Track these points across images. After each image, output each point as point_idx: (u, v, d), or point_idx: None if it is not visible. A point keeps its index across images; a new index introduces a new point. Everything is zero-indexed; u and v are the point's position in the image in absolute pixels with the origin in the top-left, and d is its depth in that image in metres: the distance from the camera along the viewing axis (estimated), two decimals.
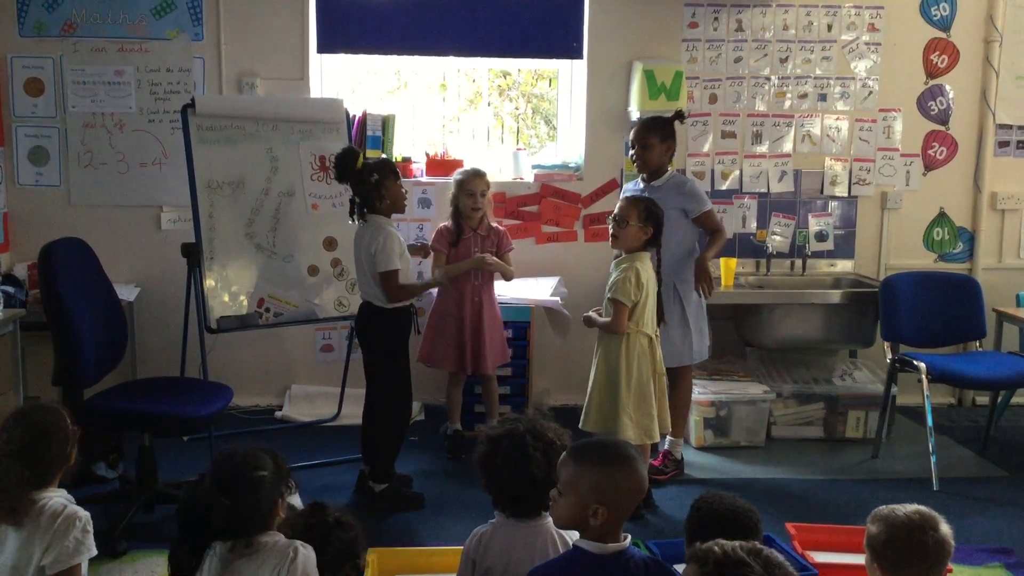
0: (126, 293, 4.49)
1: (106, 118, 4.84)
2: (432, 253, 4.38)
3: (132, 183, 4.88)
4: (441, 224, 4.48)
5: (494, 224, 4.49)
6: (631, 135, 4.08)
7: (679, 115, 4.04)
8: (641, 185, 4.11)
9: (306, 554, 2.16)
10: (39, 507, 2.23)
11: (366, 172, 3.70)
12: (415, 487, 3.93)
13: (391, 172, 3.77)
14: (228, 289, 4.21)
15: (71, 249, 3.57)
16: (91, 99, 4.83)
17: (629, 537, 2.05)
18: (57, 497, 2.29)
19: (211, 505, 2.10)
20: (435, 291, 4.45)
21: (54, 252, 3.39)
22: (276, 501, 2.18)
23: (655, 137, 3.97)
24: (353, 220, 3.84)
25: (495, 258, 4.32)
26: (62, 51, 4.79)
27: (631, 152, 4.06)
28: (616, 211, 3.68)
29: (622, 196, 3.89)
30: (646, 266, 3.63)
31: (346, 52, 5.02)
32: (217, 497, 2.09)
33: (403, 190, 3.81)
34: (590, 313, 3.75)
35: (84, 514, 2.29)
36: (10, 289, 3.96)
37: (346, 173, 3.73)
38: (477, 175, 4.35)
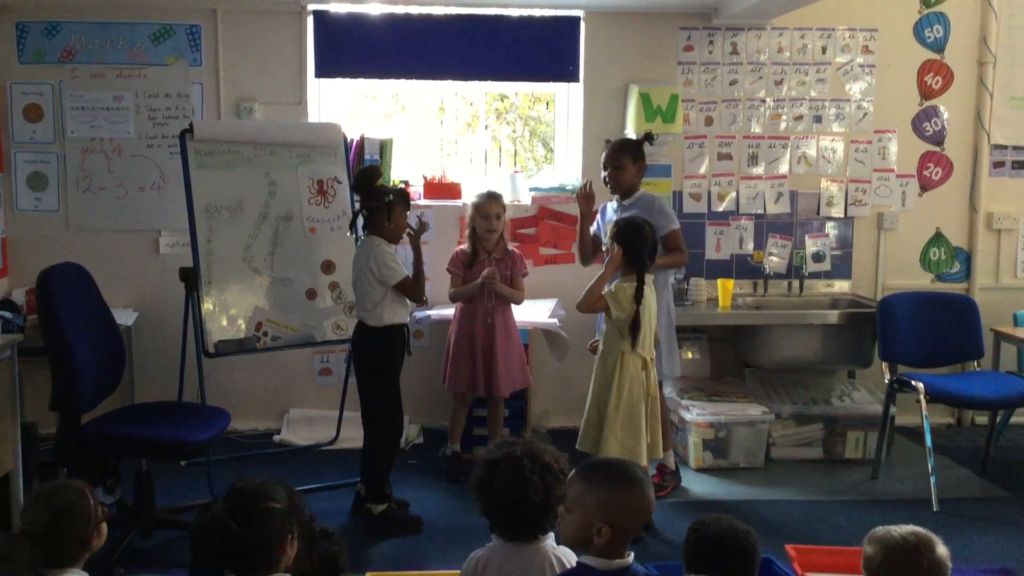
0: (124, 318, 4.49)
1: (105, 143, 4.86)
2: (449, 275, 4.45)
3: (130, 208, 4.89)
4: (458, 247, 4.51)
5: (511, 247, 4.51)
6: (603, 156, 4.13)
7: (648, 137, 4.15)
8: (615, 205, 4.17)
9: None
10: None
11: (384, 191, 3.79)
12: (412, 510, 3.92)
13: (404, 201, 3.86)
14: (226, 313, 4.21)
15: (69, 274, 3.58)
16: (90, 124, 4.85)
17: (632, 555, 2.06)
18: None
19: (220, 529, 2.07)
20: (454, 313, 4.48)
21: (52, 277, 3.39)
22: (285, 538, 2.11)
23: (628, 158, 4.06)
24: (350, 234, 3.89)
25: (501, 284, 4.33)
26: (61, 77, 4.82)
27: (604, 173, 4.11)
28: None
29: (609, 219, 4.02)
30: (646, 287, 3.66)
31: (344, 76, 5.05)
32: (226, 522, 2.06)
33: (407, 223, 3.88)
34: (591, 342, 3.79)
35: None
36: (8, 314, 3.97)
37: (363, 185, 3.79)
38: (492, 198, 4.38)
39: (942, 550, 2.15)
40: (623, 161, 4.06)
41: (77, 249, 4.65)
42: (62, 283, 3.45)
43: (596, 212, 4.29)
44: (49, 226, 4.87)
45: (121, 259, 4.87)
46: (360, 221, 3.86)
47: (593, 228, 4.28)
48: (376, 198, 3.76)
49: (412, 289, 3.82)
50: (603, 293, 3.65)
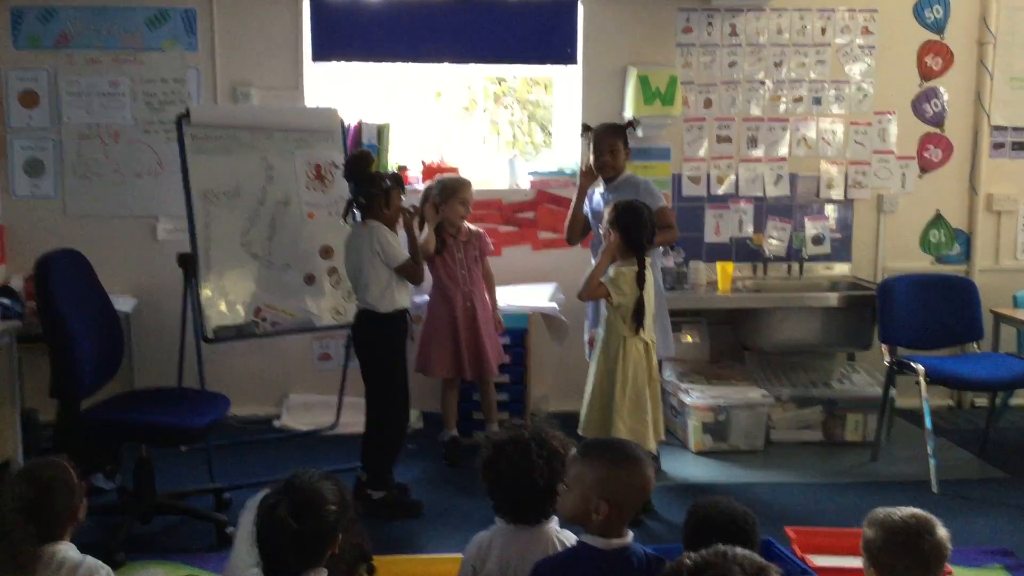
0: (123, 304, 4.48)
1: (101, 129, 4.84)
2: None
3: (128, 194, 4.88)
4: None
5: (471, 227, 4.49)
6: (593, 141, 4.14)
7: (632, 123, 4.27)
8: (600, 188, 4.20)
9: None
10: (56, 561, 2.22)
11: (379, 177, 3.77)
12: (412, 495, 3.92)
13: (400, 185, 3.84)
14: (225, 299, 4.20)
15: (67, 260, 3.57)
16: (86, 110, 4.83)
17: (631, 534, 2.08)
18: (71, 551, 2.27)
19: (284, 530, 2.06)
20: (425, 299, 4.47)
21: (50, 264, 3.38)
22: (337, 537, 2.12)
23: (620, 142, 4.13)
24: (346, 221, 3.87)
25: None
26: (56, 63, 4.79)
27: (601, 157, 4.11)
28: None
29: (595, 204, 4.12)
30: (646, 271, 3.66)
31: (340, 60, 5.02)
32: (291, 523, 2.04)
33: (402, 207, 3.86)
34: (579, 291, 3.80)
35: (105, 567, 2.28)
36: (6, 301, 3.96)
37: (356, 173, 3.77)
38: (468, 184, 4.39)
39: (942, 532, 2.15)
40: (617, 145, 4.10)
41: (75, 235, 4.62)
42: (60, 270, 3.44)
43: None
44: (46, 212, 4.86)
45: (119, 245, 4.85)
46: (354, 207, 3.83)
47: (587, 212, 4.28)
48: (374, 185, 3.74)
49: (413, 269, 3.80)
50: (602, 280, 3.64)
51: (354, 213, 3.84)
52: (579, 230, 4.33)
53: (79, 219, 4.86)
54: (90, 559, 2.27)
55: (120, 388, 4.10)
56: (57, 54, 4.79)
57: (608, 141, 4.10)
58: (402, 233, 3.89)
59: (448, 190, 4.31)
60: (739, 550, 1.69)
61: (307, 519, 2.05)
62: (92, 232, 4.79)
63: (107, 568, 2.28)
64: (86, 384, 3.43)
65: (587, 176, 4.21)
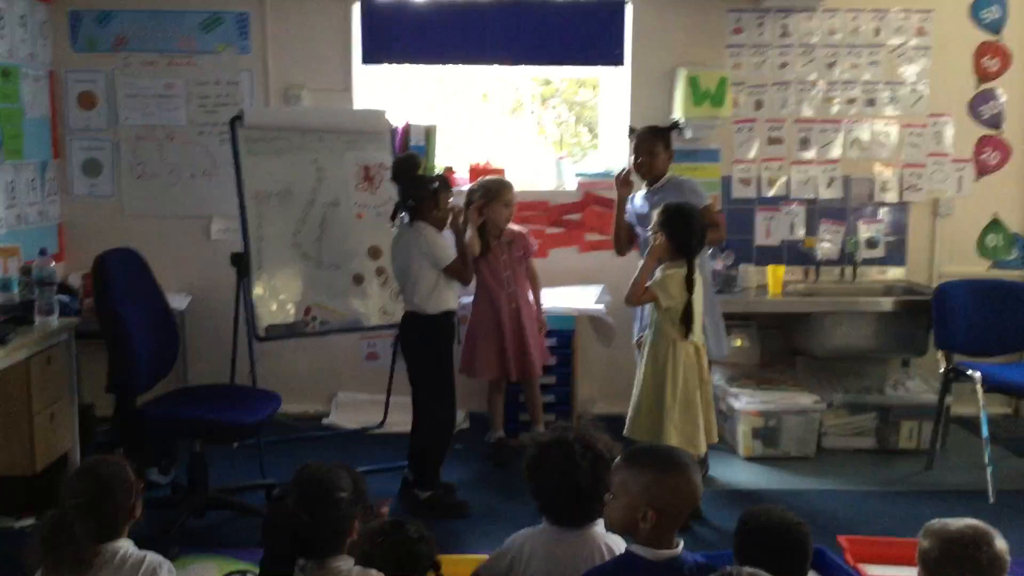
0: (177, 302, 4.56)
1: (157, 130, 4.94)
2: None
3: (182, 194, 4.97)
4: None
5: (515, 228, 4.48)
6: (634, 143, 4.13)
7: (676, 125, 4.24)
8: (643, 191, 4.18)
9: None
10: (117, 558, 2.25)
11: (428, 179, 3.80)
12: (459, 495, 3.94)
13: (447, 186, 3.85)
14: (276, 298, 4.26)
15: (124, 259, 3.64)
16: (142, 112, 4.93)
17: (682, 543, 2.04)
18: (132, 548, 2.30)
19: (291, 519, 2.11)
20: (469, 300, 4.47)
21: (108, 262, 3.46)
22: (353, 523, 2.18)
23: (660, 145, 4.10)
24: (394, 223, 3.89)
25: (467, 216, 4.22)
26: (114, 65, 4.90)
27: (638, 159, 4.10)
28: None
29: (637, 207, 4.12)
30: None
31: (389, 62, 5.06)
32: (298, 512, 2.10)
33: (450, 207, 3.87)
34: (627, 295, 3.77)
35: (167, 562, 2.31)
36: (65, 298, 4.04)
37: (404, 175, 3.79)
38: (511, 186, 4.38)
39: (1001, 544, 2.09)
40: (656, 148, 4.08)
41: (131, 234, 4.70)
42: (117, 267, 3.51)
43: None
44: (104, 212, 4.96)
45: (174, 244, 4.94)
46: (403, 209, 3.84)
47: (628, 217, 4.25)
48: (422, 187, 3.76)
49: (461, 271, 3.82)
50: (649, 284, 3.61)
51: (402, 215, 3.86)
52: (624, 239, 4.29)
53: (135, 218, 4.96)
54: (152, 554, 2.30)
55: (174, 384, 4.17)
56: (114, 56, 4.90)
57: (646, 143, 4.09)
58: (449, 233, 3.90)
59: (491, 192, 4.32)
60: None
61: (316, 507, 2.09)
62: (148, 231, 4.88)
63: (168, 563, 2.31)
64: (142, 380, 3.49)
65: (623, 185, 4.19)
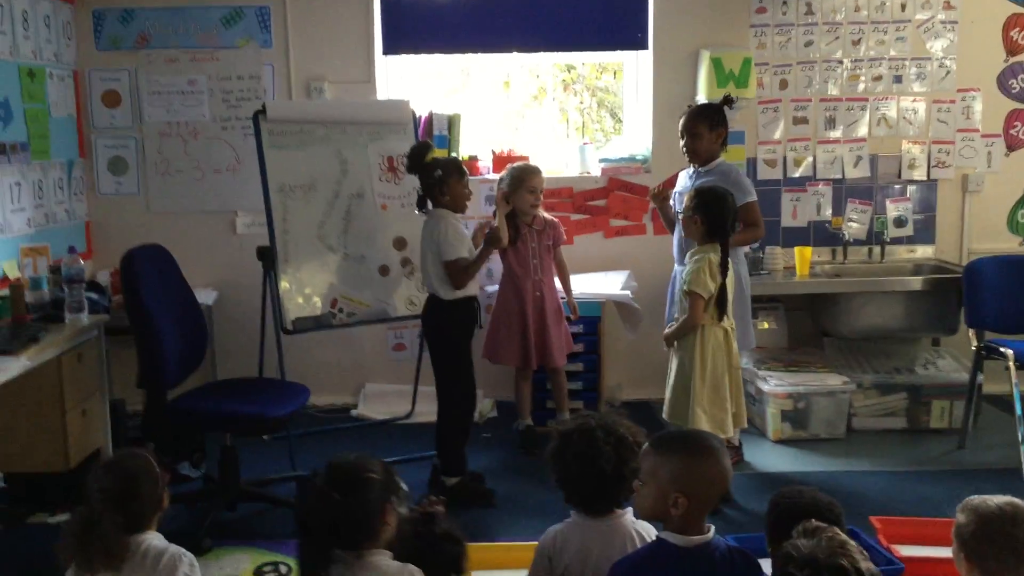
0: (205, 297, 4.60)
1: (181, 127, 4.97)
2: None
3: (207, 189, 5.00)
4: (481, 220, 4.49)
5: (547, 216, 4.47)
6: (680, 124, 4.06)
7: (727, 100, 4.05)
8: (690, 171, 4.12)
9: None
10: (141, 550, 2.27)
11: (432, 167, 3.77)
12: (487, 483, 3.94)
13: (456, 171, 3.81)
14: (302, 291, 4.28)
15: (151, 255, 3.67)
16: (166, 109, 4.96)
17: (713, 528, 2.04)
18: (156, 540, 2.32)
19: (323, 501, 2.12)
20: (496, 288, 4.46)
21: (135, 258, 3.49)
22: (385, 507, 2.17)
23: (704, 126, 3.97)
24: (418, 212, 3.91)
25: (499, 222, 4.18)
26: (137, 63, 4.93)
27: (682, 141, 4.04)
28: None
29: (681, 189, 4.04)
30: (718, 257, 3.59)
31: (411, 53, 5.06)
32: (328, 493, 2.11)
33: (467, 190, 3.84)
34: (665, 331, 3.77)
35: (189, 555, 2.32)
36: (94, 295, 4.09)
37: (415, 164, 3.81)
38: (537, 171, 4.35)
39: None
40: (699, 128, 3.98)
41: (158, 231, 4.76)
42: (145, 264, 3.54)
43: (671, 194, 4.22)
44: (130, 209, 5.01)
45: (200, 239, 4.98)
46: (424, 199, 3.86)
47: (671, 202, 4.21)
48: (428, 175, 3.76)
49: (457, 274, 3.74)
50: (686, 288, 3.58)
51: (425, 203, 3.87)
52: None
53: (161, 215, 5.00)
54: (173, 547, 2.32)
55: (203, 379, 4.20)
56: (137, 54, 4.93)
57: (689, 125, 4.01)
58: (467, 229, 3.89)
59: (516, 180, 4.30)
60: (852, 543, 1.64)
61: (348, 490, 2.10)
62: (174, 227, 4.92)
63: (190, 556, 2.33)
64: (172, 375, 3.52)
65: (657, 197, 4.16)
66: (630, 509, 2.30)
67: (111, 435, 3.92)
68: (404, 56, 5.08)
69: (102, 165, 4.99)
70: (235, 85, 4.96)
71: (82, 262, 3.88)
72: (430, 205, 3.84)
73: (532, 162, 4.67)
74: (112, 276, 4.44)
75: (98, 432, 3.82)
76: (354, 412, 4.99)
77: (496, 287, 4.51)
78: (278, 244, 4.21)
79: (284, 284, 4.21)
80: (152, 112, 4.96)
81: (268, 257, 4.16)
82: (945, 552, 2.25)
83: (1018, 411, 4.02)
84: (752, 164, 5.06)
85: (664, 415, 3.72)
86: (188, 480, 3.99)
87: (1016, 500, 2.12)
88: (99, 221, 5.00)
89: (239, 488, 3.67)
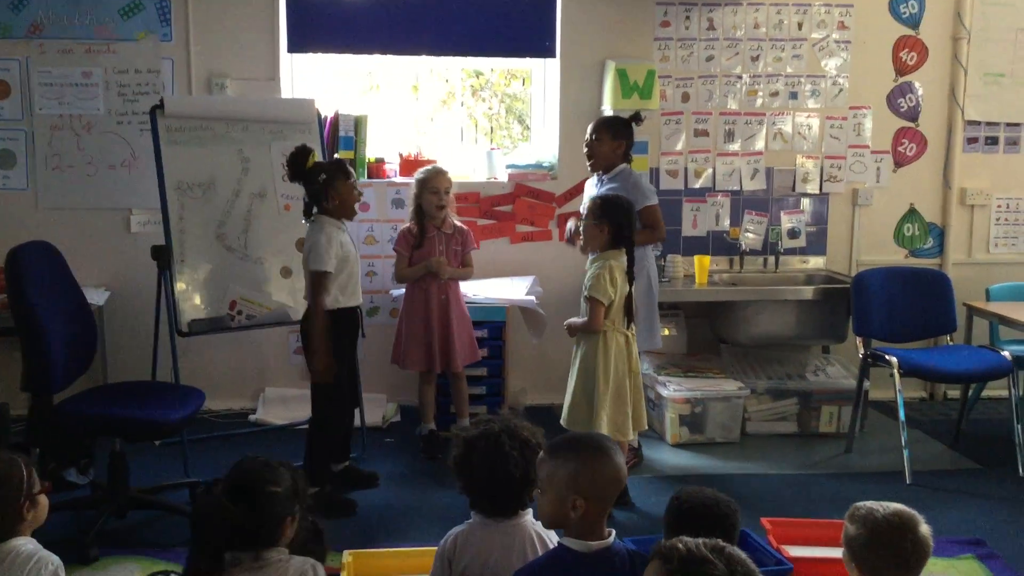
0: (95, 297, 4.43)
1: (74, 120, 4.78)
2: (395, 255, 4.39)
3: (100, 186, 4.82)
4: (403, 226, 4.47)
5: (457, 223, 4.47)
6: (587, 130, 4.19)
7: (636, 118, 4.18)
8: (594, 180, 4.21)
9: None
10: (10, 558, 2.17)
11: (315, 172, 3.65)
12: (389, 488, 3.91)
13: (341, 172, 3.70)
14: (199, 292, 4.17)
15: (39, 253, 3.52)
16: (58, 101, 4.76)
17: (614, 533, 2.06)
18: (28, 546, 2.22)
19: (221, 513, 2.07)
20: (403, 291, 4.43)
21: (21, 256, 3.34)
22: (286, 520, 2.14)
23: (607, 133, 4.12)
24: (304, 222, 3.79)
25: (451, 269, 4.31)
26: (28, 53, 4.72)
27: (585, 148, 4.17)
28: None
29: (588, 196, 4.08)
30: (621, 264, 3.64)
31: (317, 52, 4.98)
32: (228, 506, 2.07)
33: (356, 191, 3.75)
34: (568, 320, 3.78)
35: (55, 560, 2.22)
36: None
37: (296, 172, 3.66)
38: (440, 172, 4.33)
39: (925, 529, 2.14)
40: (602, 135, 4.11)
41: (46, 228, 4.56)
42: (31, 262, 3.39)
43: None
44: (18, 205, 4.78)
45: (92, 238, 4.79)
46: (310, 207, 3.73)
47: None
48: (312, 181, 3.65)
49: (317, 287, 3.60)
50: (586, 294, 3.63)
51: (310, 211, 3.74)
52: None
53: (51, 211, 4.79)
54: (43, 552, 2.22)
55: (93, 382, 4.06)
56: (29, 44, 4.72)
57: (592, 130, 4.14)
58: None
59: (420, 182, 4.31)
60: (737, 550, 1.63)
61: (250, 504, 2.06)
62: (64, 224, 4.73)
63: (58, 561, 2.22)
64: (59, 378, 3.38)
65: (569, 242, 4.22)
66: (531, 510, 2.31)
67: None
68: (311, 55, 5.00)
69: None
70: (132, 79, 4.79)
71: None
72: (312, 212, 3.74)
73: (428, 166, 4.66)
74: None
75: None
76: (252, 417, 4.88)
77: (403, 291, 4.47)
78: (174, 243, 4.09)
79: (180, 285, 4.10)
80: (43, 104, 4.76)
81: (163, 257, 4.05)
82: (832, 552, 2.31)
83: (902, 416, 4.20)
84: (655, 174, 5.16)
85: (562, 421, 3.71)
86: (75, 487, 3.83)
87: (903, 509, 2.17)
88: None
89: (128, 495, 3.54)
